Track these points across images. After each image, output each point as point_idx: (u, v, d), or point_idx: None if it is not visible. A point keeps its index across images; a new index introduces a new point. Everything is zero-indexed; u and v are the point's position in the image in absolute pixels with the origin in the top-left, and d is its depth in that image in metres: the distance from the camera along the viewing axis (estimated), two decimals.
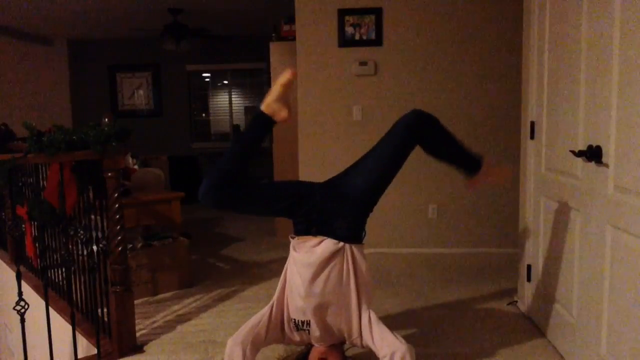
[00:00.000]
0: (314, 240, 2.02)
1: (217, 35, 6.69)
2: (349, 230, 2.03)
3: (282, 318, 2.13)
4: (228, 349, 2.03)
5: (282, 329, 2.14)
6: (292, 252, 2.09)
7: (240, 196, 2.02)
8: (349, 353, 2.24)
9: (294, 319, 2.10)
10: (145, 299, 3.30)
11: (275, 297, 2.14)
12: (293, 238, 2.10)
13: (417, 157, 4.16)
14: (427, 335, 2.64)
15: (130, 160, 4.52)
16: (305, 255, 2.02)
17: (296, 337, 2.14)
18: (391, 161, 2.11)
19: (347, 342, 2.16)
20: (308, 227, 2.05)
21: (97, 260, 2.58)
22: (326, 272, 1.99)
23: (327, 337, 2.11)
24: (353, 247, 2.03)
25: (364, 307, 2.05)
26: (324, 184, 2.15)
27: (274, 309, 2.11)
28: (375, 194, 2.10)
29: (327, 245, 1.99)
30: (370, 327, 2.03)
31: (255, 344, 2.05)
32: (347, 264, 2.01)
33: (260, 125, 2.07)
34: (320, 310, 2.03)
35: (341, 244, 2.00)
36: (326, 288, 2.00)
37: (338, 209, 2.04)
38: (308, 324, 2.07)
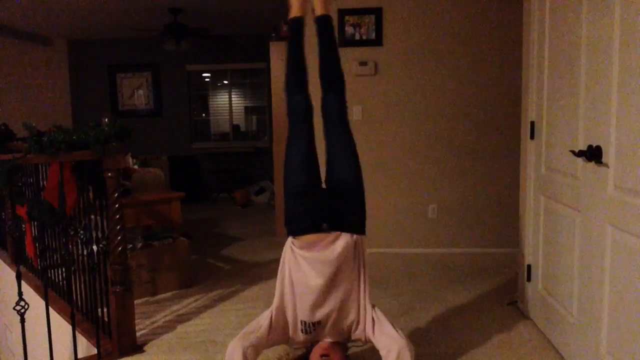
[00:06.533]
0: (330, 236, 2.01)
1: (217, 35, 6.69)
2: (359, 222, 2.09)
3: (285, 322, 2.11)
4: (228, 352, 2.01)
5: (285, 332, 2.12)
6: (298, 253, 2.04)
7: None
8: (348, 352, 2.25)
9: (304, 321, 2.07)
10: (145, 299, 3.30)
11: (274, 305, 2.09)
12: (296, 238, 2.06)
13: (417, 157, 4.18)
14: (427, 335, 2.64)
15: (130, 160, 4.51)
16: (324, 252, 2.00)
17: (301, 338, 2.13)
18: (352, 142, 2.21)
19: (351, 337, 2.16)
20: (316, 222, 2.04)
21: (97, 260, 2.58)
22: (343, 273, 2.02)
23: (334, 334, 2.12)
24: (363, 239, 2.08)
25: (368, 299, 2.08)
26: (327, 185, 2.19)
27: (274, 315, 2.08)
28: (361, 176, 2.18)
29: (345, 239, 2.01)
30: (373, 320, 2.05)
31: (256, 349, 2.03)
32: (359, 257, 2.05)
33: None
34: (335, 306, 2.04)
35: (355, 237, 2.04)
36: (343, 283, 2.02)
37: (345, 205, 2.08)
38: (319, 324, 2.07)
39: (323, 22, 2.30)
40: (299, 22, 2.31)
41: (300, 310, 2.06)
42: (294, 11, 2.31)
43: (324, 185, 2.20)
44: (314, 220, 2.04)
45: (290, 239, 2.08)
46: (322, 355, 2.06)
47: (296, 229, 2.06)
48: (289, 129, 2.24)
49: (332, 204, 2.08)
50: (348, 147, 2.17)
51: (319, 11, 2.30)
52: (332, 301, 2.03)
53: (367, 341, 2.11)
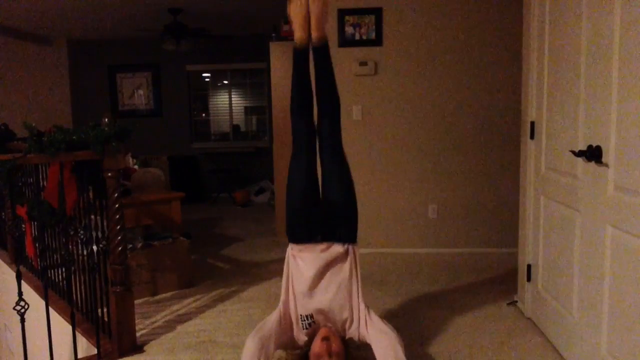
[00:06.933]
0: (321, 245, 2.18)
1: (217, 35, 6.69)
2: (350, 233, 2.22)
3: (290, 319, 2.24)
4: (246, 346, 2.08)
5: (292, 329, 2.24)
6: (296, 255, 2.21)
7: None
8: None
9: (302, 315, 2.20)
10: (145, 299, 3.30)
11: (282, 299, 2.24)
12: (295, 245, 2.22)
13: (417, 157, 4.18)
14: (427, 335, 2.64)
15: (130, 160, 4.51)
16: (317, 253, 2.17)
17: (304, 336, 2.22)
18: (343, 167, 2.29)
19: (346, 335, 2.22)
20: (311, 234, 2.19)
21: (97, 260, 2.58)
22: (334, 271, 2.16)
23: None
24: (355, 247, 2.21)
25: (361, 299, 2.19)
26: (324, 200, 2.31)
27: (282, 309, 2.22)
28: (351, 197, 2.27)
29: (336, 248, 2.17)
30: (365, 317, 2.17)
31: (273, 341, 2.12)
32: (352, 263, 2.18)
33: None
34: (326, 300, 2.15)
35: (347, 246, 2.18)
36: (333, 279, 2.15)
37: (337, 220, 2.22)
38: (313, 318, 2.18)
39: (320, 51, 2.27)
40: (302, 53, 2.26)
41: (298, 303, 2.20)
42: (297, 34, 2.24)
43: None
44: (309, 232, 2.21)
45: (291, 244, 2.26)
46: (323, 338, 2.11)
47: (294, 239, 2.24)
48: (293, 147, 2.31)
49: (325, 218, 2.22)
50: (337, 172, 2.27)
51: (314, 35, 2.23)
52: (322, 292, 2.15)
53: (361, 339, 2.20)
